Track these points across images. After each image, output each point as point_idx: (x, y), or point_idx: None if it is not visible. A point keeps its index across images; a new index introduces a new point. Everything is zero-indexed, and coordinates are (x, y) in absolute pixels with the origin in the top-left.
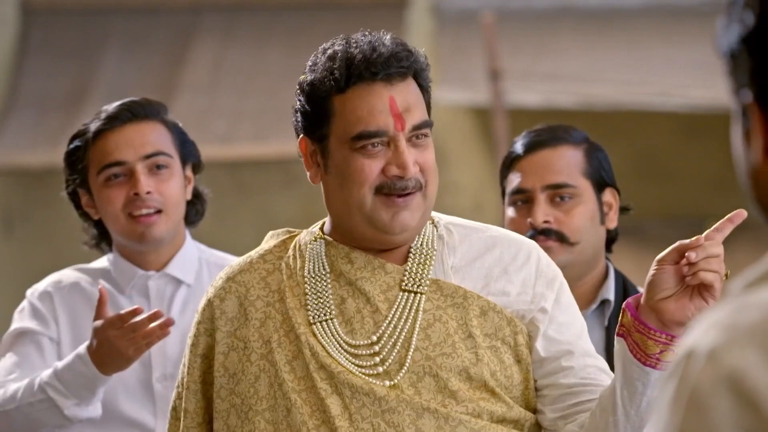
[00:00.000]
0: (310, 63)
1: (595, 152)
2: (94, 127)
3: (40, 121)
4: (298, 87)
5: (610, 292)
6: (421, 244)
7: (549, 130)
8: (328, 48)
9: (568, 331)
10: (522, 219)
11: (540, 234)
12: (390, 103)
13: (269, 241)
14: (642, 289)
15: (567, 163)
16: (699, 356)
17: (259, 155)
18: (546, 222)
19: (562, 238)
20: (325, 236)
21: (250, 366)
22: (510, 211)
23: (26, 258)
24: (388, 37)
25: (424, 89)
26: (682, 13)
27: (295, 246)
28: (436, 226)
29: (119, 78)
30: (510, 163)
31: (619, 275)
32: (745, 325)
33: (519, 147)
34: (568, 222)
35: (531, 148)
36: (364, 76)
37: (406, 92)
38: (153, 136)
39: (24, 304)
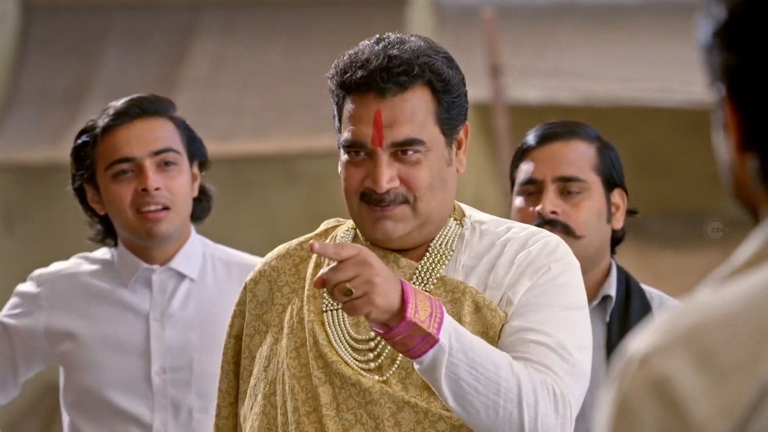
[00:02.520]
0: (334, 63)
1: (608, 151)
2: (102, 122)
3: (40, 118)
4: None
5: (611, 288)
6: (440, 244)
7: (563, 124)
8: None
9: (535, 315)
10: (530, 208)
11: (546, 224)
12: (375, 115)
13: (319, 229)
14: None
15: (579, 156)
16: (633, 361)
17: (260, 152)
18: (554, 213)
19: (567, 230)
20: (356, 228)
21: (266, 350)
22: (518, 201)
23: (26, 254)
24: (413, 39)
25: (441, 100)
26: (682, 9)
27: (333, 236)
28: (461, 224)
29: (120, 74)
30: (522, 153)
31: (621, 271)
32: (680, 329)
33: (532, 138)
34: (575, 215)
35: (544, 139)
36: (360, 86)
37: (400, 106)
38: (162, 133)
39: (22, 288)
